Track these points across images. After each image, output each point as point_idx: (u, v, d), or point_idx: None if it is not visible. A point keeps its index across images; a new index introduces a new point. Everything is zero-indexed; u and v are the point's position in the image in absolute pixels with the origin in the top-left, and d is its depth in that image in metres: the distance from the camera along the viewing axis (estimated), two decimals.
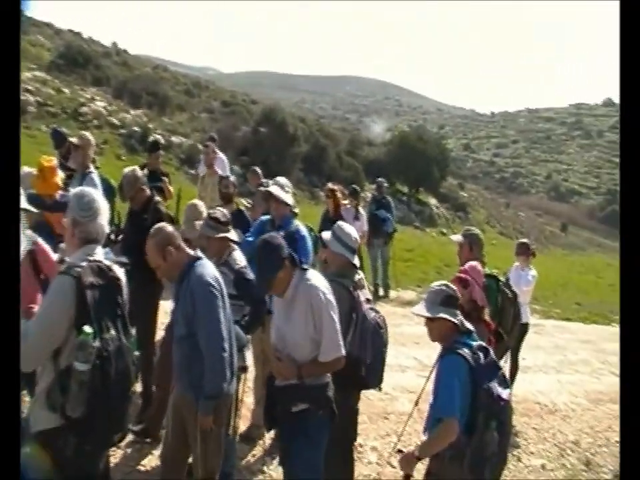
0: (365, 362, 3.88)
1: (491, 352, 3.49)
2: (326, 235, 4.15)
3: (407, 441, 5.59)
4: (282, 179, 5.82)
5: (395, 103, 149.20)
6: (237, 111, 27.61)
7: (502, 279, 5.75)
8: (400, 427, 5.47)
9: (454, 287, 3.61)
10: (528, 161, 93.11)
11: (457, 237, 5.57)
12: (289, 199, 5.38)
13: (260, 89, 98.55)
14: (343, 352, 3.40)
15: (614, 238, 61.20)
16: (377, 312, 4.02)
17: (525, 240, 8.10)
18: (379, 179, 12.21)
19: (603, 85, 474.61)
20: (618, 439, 6.87)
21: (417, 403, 4.03)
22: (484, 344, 3.52)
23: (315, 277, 3.44)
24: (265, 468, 4.88)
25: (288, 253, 3.39)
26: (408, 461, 3.35)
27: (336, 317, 3.37)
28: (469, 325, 3.51)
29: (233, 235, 4.44)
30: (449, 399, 3.26)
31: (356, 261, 4.11)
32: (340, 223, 4.33)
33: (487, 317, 4.55)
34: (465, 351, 3.34)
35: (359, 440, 5.07)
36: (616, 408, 8.00)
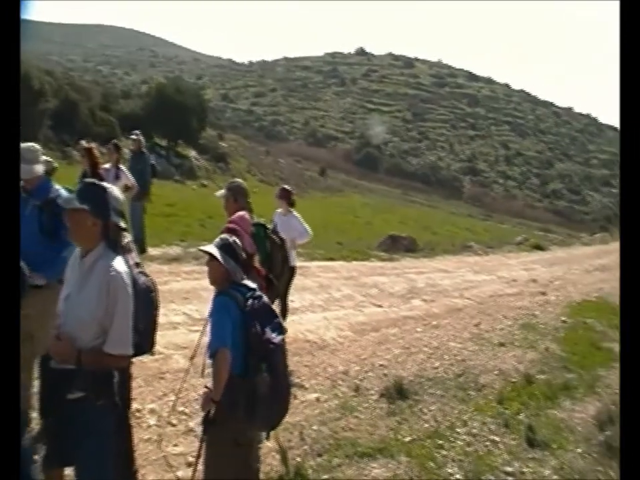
0: (139, 329, 3.76)
1: (265, 298, 3.63)
2: None
3: (185, 397, 5.62)
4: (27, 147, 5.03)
5: (149, 54, 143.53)
6: None
7: (269, 225, 5.90)
8: (177, 384, 5.48)
9: (239, 242, 3.74)
10: (286, 109, 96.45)
11: (221, 192, 5.58)
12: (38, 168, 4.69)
13: None
14: (131, 350, 3.23)
15: (369, 179, 66.81)
16: (146, 275, 3.89)
17: (285, 186, 8.39)
18: (135, 132, 11.68)
19: (356, 34, 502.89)
20: (381, 362, 7.67)
21: (192, 358, 4.01)
22: (258, 292, 3.62)
23: (119, 262, 3.22)
24: None
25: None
26: (206, 401, 3.47)
27: (130, 312, 3.18)
28: (246, 281, 3.65)
29: None
30: (220, 332, 3.40)
31: (122, 224, 3.91)
32: (105, 186, 4.05)
33: (257, 264, 4.66)
34: (237, 295, 3.46)
35: (136, 405, 5.02)
36: (378, 335, 8.89)
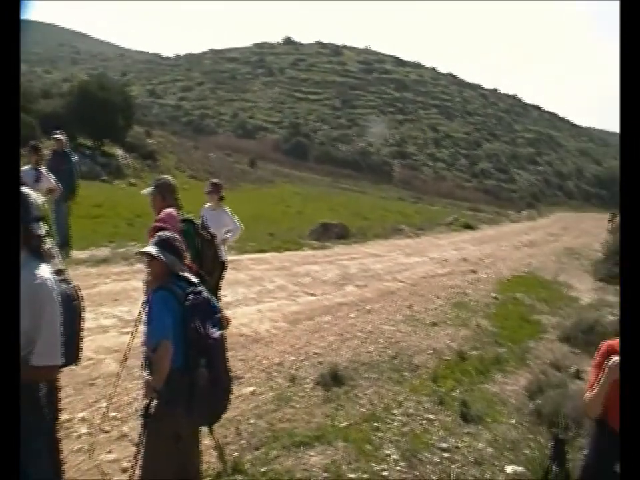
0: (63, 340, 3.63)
1: (205, 293, 3.61)
2: None
3: (118, 401, 5.50)
4: None
5: (71, 50, 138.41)
6: None
7: (198, 221, 5.82)
8: (109, 390, 5.35)
9: (175, 236, 3.74)
10: (214, 102, 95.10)
11: (147, 190, 5.46)
12: None
13: None
14: (60, 361, 3.06)
15: (299, 168, 66.86)
16: (68, 283, 3.71)
17: (215, 180, 8.29)
18: (57, 132, 11.27)
19: (283, 24, 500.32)
20: (316, 350, 7.70)
21: (123, 361, 3.91)
22: (199, 287, 3.59)
23: (44, 269, 3.03)
24: None
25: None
26: (148, 389, 3.45)
27: (58, 321, 3.01)
28: (187, 274, 3.63)
29: None
30: (161, 325, 3.38)
31: (43, 230, 3.71)
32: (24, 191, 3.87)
33: (188, 261, 4.62)
34: (177, 290, 3.48)
35: (65, 415, 4.89)
36: (312, 323, 8.92)
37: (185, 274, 3.64)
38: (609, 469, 3.32)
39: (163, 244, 3.61)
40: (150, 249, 3.57)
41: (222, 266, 7.44)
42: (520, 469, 5.21)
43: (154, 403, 3.44)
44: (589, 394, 3.35)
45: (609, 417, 3.33)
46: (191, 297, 3.50)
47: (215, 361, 3.58)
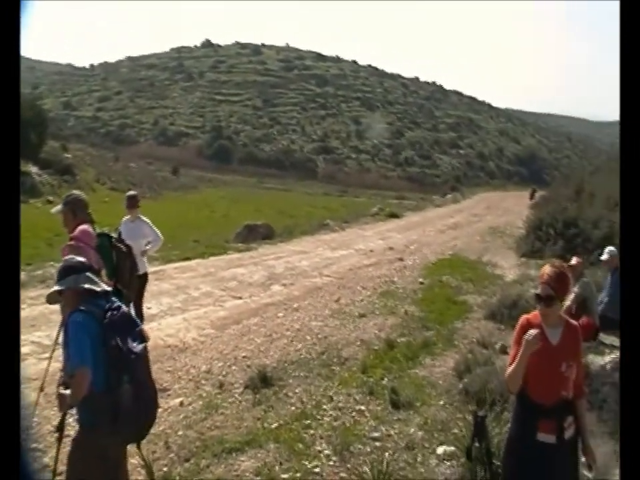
0: None
1: (124, 308, 3.54)
2: None
3: (38, 431, 5.30)
4: None
5: None
6: None
7: (114, 235, 5.70)
8: (27, 421, 5.14)
9: (74, 260, 3.60)
10: (134, 111, 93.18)
11: (57, 208, 5.33)
12: None
13: None
14: None
15: (223, 171, 66.42)
16: None
17: (131, 192, 8.14)
18: None
19: (201, 26, 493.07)
20: (244, 354, 7.65)
21: (41, 389, 3.77)
22: (116, 302, 3.50)
23: None
24: None
25: None
26: (62, 402, 3.33)
27: None
28: (103, 286, 3.55)
29: None
30: (78, 351, 3.28)
31: None
32: None
33: (104, 277, 4.53)
34: (93, 309, 3.39)
35: None
36: (239, 327, 8.85)
37: (101, 290, 3.54)
38: (530, 439, 3.43)
39: (68, 271, 3.50)
40: (55, 287, 3.47)
41: (143, 278, 7.32)
42: (450, 448, 5.33)
43: (70, 420, 3.36)
44: (509, 369, 3.44)
45: (529, 389, 3.43)
46: (108, 314, 3.41)
47: (138, 375, 3.51)
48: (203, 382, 6.82)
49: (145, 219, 7.65)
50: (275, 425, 5.70)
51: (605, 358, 6.48)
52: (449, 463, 5.16)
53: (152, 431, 4.90)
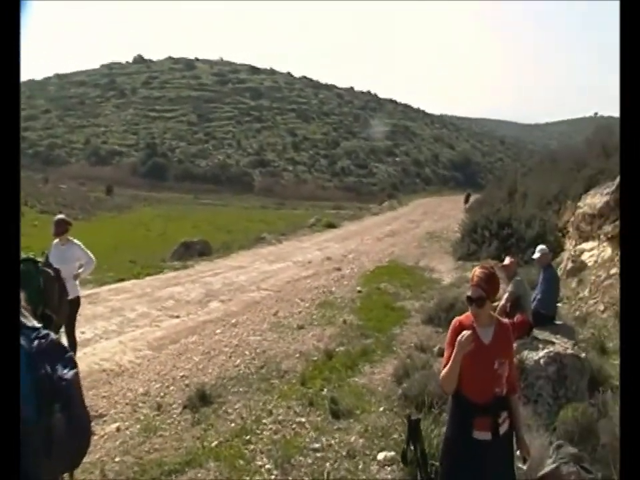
0: None
1: (52, 335, 3.42)
2: None
3: None
4: None
5: None
6: None
7: (40, 259, 5.54)
8: None
9: None
10: (64, 130, 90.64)
11: None
12: None
13: None
14: None
15: (158, 189, 65.54)
16: None
17: (59, 216, 7.94)
18: None
19: (133, 41, 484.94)
20: (182, 373, 7.57)
21: None
22: (43, 331, 3.42)
23: None
24: None
25: None
26: None
27: None
28: (27, 321, 3.42)
29: None
30: None
31: None
32: None
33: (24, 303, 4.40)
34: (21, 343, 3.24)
35: None
36: (177, 346, 8.76)
37: (26, 320, 3.46)
38: (466, 438, 3.53)
39: None
40: None
41: (75, 302, 7.15)
42: (391, 453, 5.42)
43: None
44: (444, 371, 3.54)
45: (464, 389, 3.53)
46: (35, 342, 3.33)
47: (70, 402, 3.43)
48: (140, 405, 6.70)
49: (76, 241, 7.47)
50: (215, 442, 5.67)
51: (539, 353, 6.68)
52: (389, 468, 5.25)
53: (87, 459, 4.83)
